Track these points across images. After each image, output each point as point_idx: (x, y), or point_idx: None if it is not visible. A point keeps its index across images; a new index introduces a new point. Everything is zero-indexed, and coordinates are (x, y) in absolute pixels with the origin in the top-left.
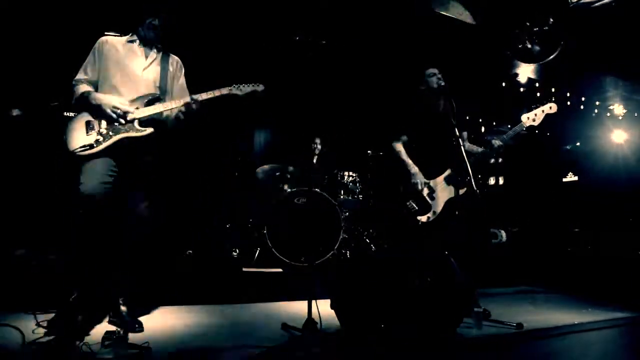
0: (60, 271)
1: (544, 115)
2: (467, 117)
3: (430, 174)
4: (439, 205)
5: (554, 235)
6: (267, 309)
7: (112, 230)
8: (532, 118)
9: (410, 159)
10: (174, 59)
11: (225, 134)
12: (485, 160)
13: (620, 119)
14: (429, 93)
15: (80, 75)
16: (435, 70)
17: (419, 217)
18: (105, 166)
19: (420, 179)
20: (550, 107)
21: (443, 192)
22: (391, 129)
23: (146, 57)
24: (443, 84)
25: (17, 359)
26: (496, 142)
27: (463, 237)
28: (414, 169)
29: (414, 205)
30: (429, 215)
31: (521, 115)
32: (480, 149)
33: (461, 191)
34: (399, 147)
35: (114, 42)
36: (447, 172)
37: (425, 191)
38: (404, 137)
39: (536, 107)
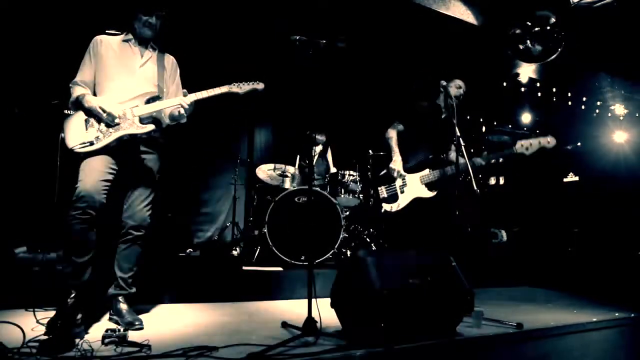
0: (60, 269)
1: (539, 146)
2: (468, 117)
3: (412, 169)
4: (405, 200)
5: (554, 235)
6: (267, 308)
7: (111, 229)
8: (525, 146)
9: (400, 147)
10: (170, 59)
11: (226, 133)
12: (460, 174)
13: (622, 119)
14: (433, 107)
15: (77, 77)
16: (461, 90)
17: (383, 204)
18: (105, 164)
19: (397, 166)
20: (549, 142)
21: (414, 188)
22: (389, 116)
23: (142, 55)
24: (462, 94)
25: (17, 356)
26: (477, 161)
27: (463, 236)
28: (397, 156)
29: (384, 191)
30: (392, 205)
31: (516, 140)
32: (461, 161)
33: (430, 194)
34: (392, 133)
35: (109, 41)
36: (426, 171)
37: (399, 182)
38: (400, 126)
39: (534, 137)
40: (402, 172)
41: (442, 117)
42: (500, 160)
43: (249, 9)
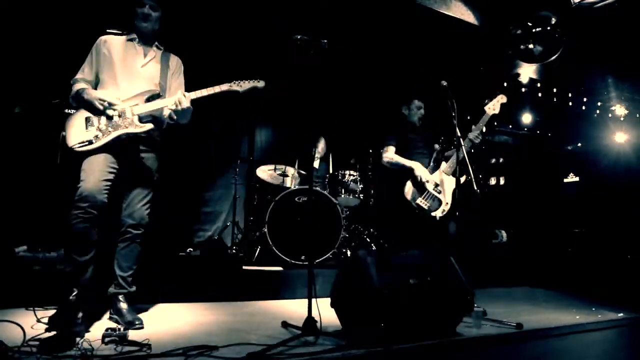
0: (61, 268)
1: (499, 104)
2: (469, 117)
3: (431, 170)
4: (448, 195)
5: (554, 235)
6: (267, 307)
7: (111, 228)
8: (492, 108)
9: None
10: (174, 58)
11: (227, 133)
12: (472, 151)
13: (622, 119)
14: (410, 125)
15: (78, 75)
16: (421, 104)
17: (434, 214)
18: (105, 163)
19: (423, 171)
20: (502, 97)
21: (446, 183)
22: (381, 135)
23: (145, 55)
24: (423, 114)
25: (18, 354)
26: (472, 135)
27: (463, 235)
28: (414, 164)
29: (424, 202)
30: (443, 208)
31: (484, 106)
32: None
33: (462, 179)
34: (390, 155)
35: (113, 41)
36: (443, 164)
37: (431, 185)
38: (392, 144)
39: (491, 100)
40: (430, 174)
41: (420, 121)
42: (484, 128)
43: (249, 8)
